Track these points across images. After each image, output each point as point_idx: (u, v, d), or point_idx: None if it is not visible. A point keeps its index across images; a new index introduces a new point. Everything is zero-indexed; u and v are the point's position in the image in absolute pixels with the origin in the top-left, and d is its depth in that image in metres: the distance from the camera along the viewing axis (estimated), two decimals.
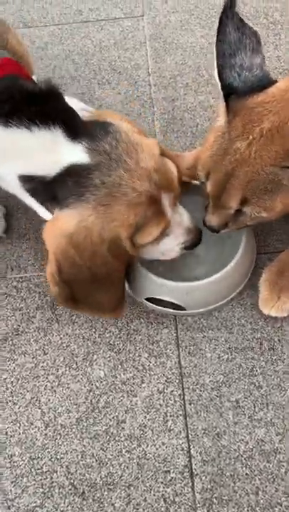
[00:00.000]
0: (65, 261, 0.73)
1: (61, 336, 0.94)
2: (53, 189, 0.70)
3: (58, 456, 0.84)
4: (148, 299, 0.93)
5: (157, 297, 0.90)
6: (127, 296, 0.93)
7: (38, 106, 0.68)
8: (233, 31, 0.72)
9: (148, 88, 1.21)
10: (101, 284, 0.79)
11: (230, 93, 0.74)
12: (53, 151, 0.68)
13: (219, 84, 0.73)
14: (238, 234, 0.91)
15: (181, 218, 0.81)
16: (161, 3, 1.35)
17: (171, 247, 0.82)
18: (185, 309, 0.91)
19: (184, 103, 1.18)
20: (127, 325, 0.94)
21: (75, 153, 0.69)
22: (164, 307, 0.93)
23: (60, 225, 0.71)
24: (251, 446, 0.83)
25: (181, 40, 1.28)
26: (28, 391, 0.89)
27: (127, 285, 0.95)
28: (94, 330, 0.94)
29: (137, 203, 0.70)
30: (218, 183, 0.75)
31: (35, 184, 0.71)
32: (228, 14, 0.71)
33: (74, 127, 0.70)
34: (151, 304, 0.94)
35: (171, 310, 0.92)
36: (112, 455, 0.84)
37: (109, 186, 0.69)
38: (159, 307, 0.93)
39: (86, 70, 1.25)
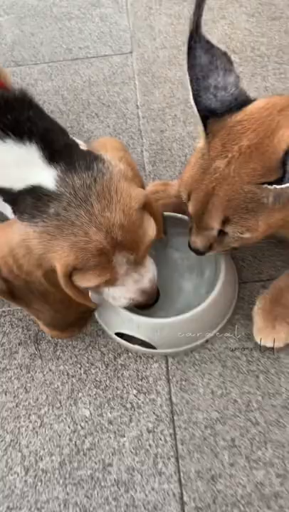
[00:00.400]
0: (4, 266, 0.69)
1: (44, 372, 0.88)
2: (16, 201, 0.68)
3: (39, 506, 0.77)
4: (118, 334, 0.88)
5: (126, 332, 0.86)
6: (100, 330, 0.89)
7: (12, 115, 0.64)
8: (202, 54, 0.71)
9: (137, 120, 1.21)
10: (40, 300, 0.75)
11: (208, 116, 0.72)
12: (24, 167, 0.65)
13: (195, 108, 0.72)
14: (217, 264, 0.87)
15: (141, 278, 0.74)
16: (149, 40, 1.37)
17: (118, 296, 0.76)
18: (155, 348, 0.86)
19: (173, 134, 1.17)
20: (114, 359, 0.89)
21: (44, 177, 0.65)
22: (136, 344, 0.88)
23: (8, 233, 0.68)
24: (249, 491, 0.76)
25: (169, 74, 1.29)
26: (7, 433, 0.83)
27: (100, 319, 0.91)
28: (79, 366, 0.88)
29: (82, 248, 0.65)
30: (200, 203, 0.72)
31: (4, 193, 0.69)
32: (195, 38, 0.70)
33: (53, 148, 0.67)
34: (119, 340, 0.89)
35: (142, 348, 0.87)
36: (97, 503, 0.77)
37: (62, 220, 0.65)
38: (129, 344, 0.88)
39: (75, 105, 1.25)
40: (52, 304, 0.75)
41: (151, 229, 0.71)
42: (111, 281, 0.70)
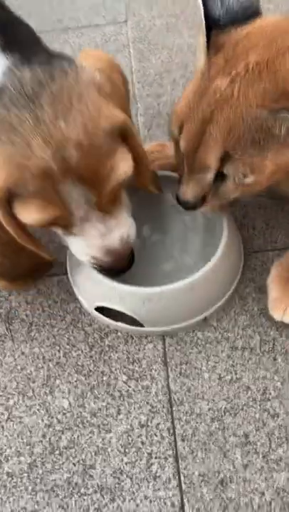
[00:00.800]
0: None
1: (16, 356, 0.73)
2: None
3: None
4: (99, 310, 0.73)
5: (107, 305, 0.71)
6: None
7: None
8: None
9: (131, 86, 1.07)
10: None
11: (211, 27, 0.59)
12: None
13: (202, 10, 0.59)
14: (219, 228, 0.73)
15: (108, 233, 0.58)
16: (145, 9, 1.26)
17: (78, 251, 0.61)
18: (142, 325, 0.71)
19: (172, 98, 1.04)
20: (99, 340, 0.73)
21: None
22: (119, 321, 0.72)
23: None
24: (269, 498, 0.59)
25: (166, 42, 1.17)
26: None
27: (77, 292, 0.76)
28: (57, 348, 0.73)
29: (20, 165, 0.50)
30: (193, 135, 0.58)
31: None
32: None
33: (11, 39, 0.54)
34: (100, 316, 0.74)
35: (127, 326, 0.72)
36: None
37: (2, 122, 0.50)
38: (110, 321, 0.73)
39: None
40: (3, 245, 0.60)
41: (125, 164, 0.54)
42: (64, 224, 0.55)
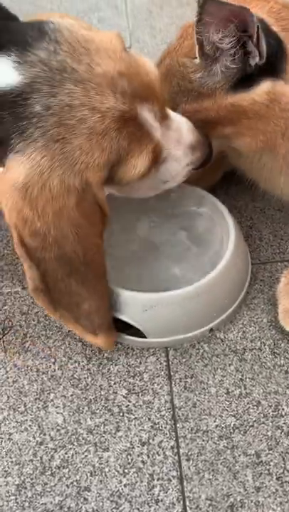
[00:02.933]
0: (24, 226, 0.52)
1: (7, 368, 0.68)
2: None
3: None
4: None
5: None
6: None
7: None
8: None
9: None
10: (77, 271, 0.57)
11: None
12: None
13: None
14: (226, 232, 0.70)
15: (179, 132, 0.60)
16: (149, 37, 1.28)
17: (173, 172, 0.62)
18: (145, 336, 0.66)
19: None
20: (98, 352, 0.68)
21: (1, 73, 0.50)
22: (119, 331, 0.67)
23: (10, 175, 0.51)
24: None
25: None
26: None
27: None
28: (53, 360, 0.68)
29: (104, 130, 0.50)
30: None
31: None
32: None
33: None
34: None
35: (128, 337, 0.67)
36: None
37: (58, 111, 0.50)
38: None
39: None
40: (97, 273, 0.59)
41: (148, 64, 0.55)
42: (157, 152, 0.56)
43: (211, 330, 0.68)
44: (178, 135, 0.59)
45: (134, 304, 0.64)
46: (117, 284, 0.64)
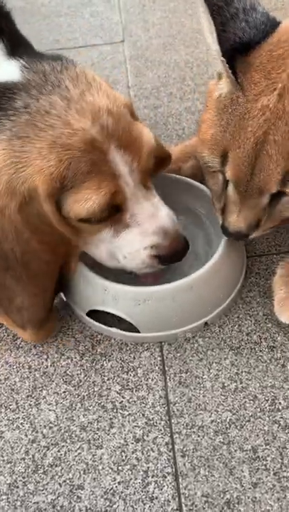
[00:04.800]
0: None
1: None
2: None
3: None
4: (91, 315, 0.67)
5: (100, 309, 0.65)
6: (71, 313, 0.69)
7: None
8: None
9: (128, 99, 1.06)
10: (14, 269, 0.56)
11: (232, 55, 0.54)
12: None
13: (218, 46, 0.53)
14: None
15: (157, 211, 0.57)
16: (142, 30, 1.27)
17: (133, 247, 0.58)
18: (138, 331, 0.65)
19: (168, 109, 1.02)
20: (91, 348, 0.67)
21: (8, 70, 0.53)
22: (112, 327, 0.67)
23: None
24: None
25: (164, 58, 1.17)
26: None
27: (68, 297, 0.71)
28: (45, 357, 0.67)
29: (67, 145, 0.50)
30: (246, 162, 0.53)
31: None
32: None
33: (15, 43, 0.57)
34: (92, 323, 0.68)
35: (121, 332, 0.66)
36: None
37: (33, 113, 0.50)
38: (105, 327, 0.67)
39: None
40: (41, 280, 0.58)
41: (149, 132, 0.55)
42: (116, 199, 0.53)
43: (206, 324, 0.67)
44: (153, 211, 0.57)
45: (126, 298, 0.63)
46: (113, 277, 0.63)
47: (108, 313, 0.64)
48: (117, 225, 0.57)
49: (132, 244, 0.58)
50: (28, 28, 1.32)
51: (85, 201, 0.51)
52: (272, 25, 0.56)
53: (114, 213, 0.56)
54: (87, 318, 0.68)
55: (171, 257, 0.60)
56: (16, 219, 0.51)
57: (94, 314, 0.67)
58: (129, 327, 0.65)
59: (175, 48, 1.20)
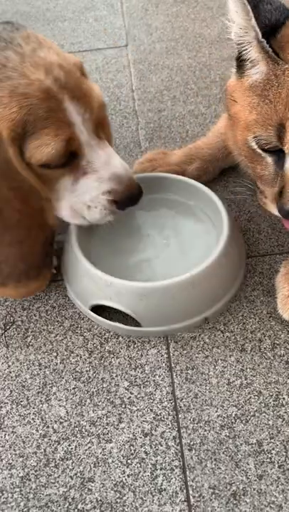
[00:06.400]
0: None
1: (10, 363, 0.68)
2: None
3: None
4: (96, 311, 0.70)
5: (103, 303, 0.67)
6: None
7: None
8: None
9: (132, 102, 1.08)
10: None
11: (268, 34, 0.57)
12: None
13: (256, 27, 0.56)
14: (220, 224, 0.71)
15: (110, 159, 0.63)
16: (146, 35, 1.29)
17: (92, 193, 0.63)
18: (140, 325, 0.67)
19: (172, 113, 1.04)
20: (99, 346, 0.69)
21: None
22: (116, 321, 0.69)
23: None
24: None
25: (167, 62, 1.19)
26: None
27: (71, 292, 0.73)
28: (55, 354, 0.68)
29: (25, 93, 0.55)
30: None
31: None
32: None
33: None
34: (96, 317, 0.70)
35: (123, 326, 0.68)
36: None
37: None
38: (108, 321, 0.69)
39: None
40: (7, 225, 0.59)
41: (98, 89, 0.62)
42: (72, 144, 0.59)
43: (206, 319, 0.69)
44: (107, 159, 0.63)
45: (129, 293, 0.65)
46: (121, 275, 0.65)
47: (110, 308, 0.66)
48: (76, 172, 0.62)
49: (90, 191, 0.63)
50: None
51: (45, 146, 0.57)
52: (284, 6, 0.59)
53: (72, 160, 0.61)
54: (91, 313, 0.69)
55: (128, 201, 0.65)
56: None
57: (98, 311, 0.69)
58: (132, 322, 0.67)
59: (178, 51, 1.22)
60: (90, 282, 0.67)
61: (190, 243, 0.74)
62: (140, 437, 0.60)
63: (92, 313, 0.69)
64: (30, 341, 0.70)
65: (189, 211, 0.78)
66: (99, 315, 0.69)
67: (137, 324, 0.67)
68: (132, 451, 0.59)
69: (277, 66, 0.56)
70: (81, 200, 0.64)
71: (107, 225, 0.68)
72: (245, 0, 0.55)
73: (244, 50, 0.59)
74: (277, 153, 0.59)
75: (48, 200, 0.64)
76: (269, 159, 0.60)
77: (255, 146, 0.60)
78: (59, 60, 0.58)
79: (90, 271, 0.66)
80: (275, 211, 0.64)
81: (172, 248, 0.74)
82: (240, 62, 0.61)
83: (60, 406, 0.63)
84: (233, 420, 0.60)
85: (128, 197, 0.64)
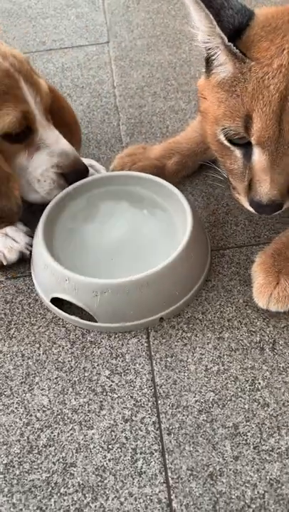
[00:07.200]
0: None
1: None
2: None
3: None
4: (55, 302, 0.72)
5: (61, 296, 0.69)
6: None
7: None
8: None
9: (113, 98, 1.10)
10: None
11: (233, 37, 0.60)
12: None
13: (220, 31, 0.58)
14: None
15: (58, 138, 0.74)
16: (127, 31, 1.30)
17: (43, 167, 0.74)
18: (96, 320, 0.69)
19: (152, 109, 1.06)
20: (81, 336, 0.70)
21: None
22: (73, 314, 0.71)
23: None
24: (262, 491, 0.56)
25: (148, 59, 1.20)
26: None
27: (36, 283, 0.76)
28: (37, 345, 0.70)
29: None
30: (272, 118, 0.57)
31: None
32: None
33: None
34: (55, 309, 0.72)
35: (79, 320, 0.70)
36: None
37: None
38: (65, 314, 0.71)
39: None
40: None
41: (43, 82, 0.74)
42: (28, 119, 0.70)
43: (162, 319, 0.70)
44: (57, 138, 0.74)
45: (84, 289, 0.66)
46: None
47: (67, 301, 0.69)
48: (30, 147, 0.73)
49: (42, 165, 0.74)
50: (15, 30, 1.36)
51: (7, 116, 0.67)
52: (246, 7, 0.62)
53: (27, 136, 0.72)
54: (51, 305, 0.72)
55: (74, 175, 0.75)
56: None
57: (58, 301, 0.71)
58: (89, 316, 0.69)
59: (158, 48, 1.24)
60: (50, 275, 0.69)
61: (154, 240, 0.75)
62: (121, 423, 0.62)
63: (52, 306, 0.72)
64: (13, 333, 0.72)
65: (155, 207, 0.79)
66: (61, 307, 0.71)
67: (94, 319, 0.69)
68: (113, 437, 0.61)
69: (244, 64, 0.59)
70: (34, 176, 0.74)
71: (72, 217, 0.75)
72: (206, 9, 0.57)
73: (212, 53, 0.61)
74: (245, 147, 0.61)
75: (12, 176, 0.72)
76: (237, 152, 0.62)
77: (224, 139, 0.62)
78: (12, 51, 0.70)
79: (50, 264, 0.68)
80: (248, 206, 0.66)
81: (135, 244, 0.74)
82: (209, 63, 0.63)
83: (42, 395, 0.65)
84: (210, 405, 0.63)
85: (74, 172, 0.75)
